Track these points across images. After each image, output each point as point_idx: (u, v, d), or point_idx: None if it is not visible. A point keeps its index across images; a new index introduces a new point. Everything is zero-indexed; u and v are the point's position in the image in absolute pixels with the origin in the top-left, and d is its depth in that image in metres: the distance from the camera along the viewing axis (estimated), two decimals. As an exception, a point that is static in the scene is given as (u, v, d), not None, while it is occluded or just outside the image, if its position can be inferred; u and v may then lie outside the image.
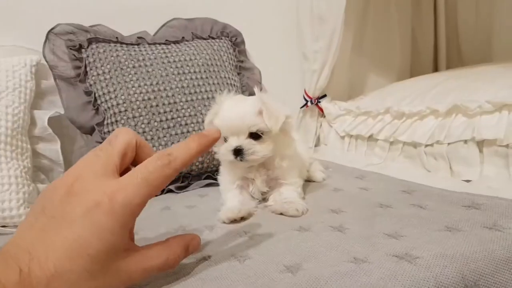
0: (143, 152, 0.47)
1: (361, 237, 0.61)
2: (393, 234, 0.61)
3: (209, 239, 0.67)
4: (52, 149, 0.99)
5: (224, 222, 0.73)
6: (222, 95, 0.77)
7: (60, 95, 0.99)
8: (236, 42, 1.22)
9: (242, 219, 0.74)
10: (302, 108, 1.35)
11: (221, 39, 1.19)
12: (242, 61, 1.22)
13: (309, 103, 1.32)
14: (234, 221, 0.73)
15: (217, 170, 1.07)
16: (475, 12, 1.60)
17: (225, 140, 0.75)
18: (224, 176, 0.84)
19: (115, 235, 0.40)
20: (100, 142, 0.96)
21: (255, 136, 0.73)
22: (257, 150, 0.73)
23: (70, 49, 0.99)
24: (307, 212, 0.75)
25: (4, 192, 0.81)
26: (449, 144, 0.93)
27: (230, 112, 0.73)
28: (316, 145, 1.38)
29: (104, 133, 0.96)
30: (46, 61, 0.98)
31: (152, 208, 0.88)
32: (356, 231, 0.64)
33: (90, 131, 0.99)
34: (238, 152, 0.72)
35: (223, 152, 0.74)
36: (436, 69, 1.73)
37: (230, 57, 1.17)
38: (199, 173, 1.04)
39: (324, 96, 1.33)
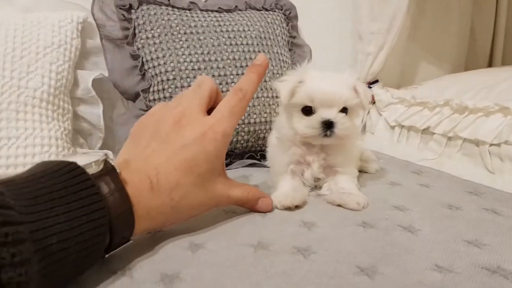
0: (218, 98, 0.56)
1: (437, 241, 0.55)
2: (474, 241, 0.55)
3: (263, 226, 0.62)
4: (94, 112, 0.95)
5: (277, 208, 0.68)
6: (303, 64, 0.75)
7: (105, 56, 0.94)
8: (289, 16, 1.14)
9: (297, 207, 0.69)
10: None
11: (275, 11, 1.12)
12: (294, 37, 1.14)
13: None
14: (288, 208, 0.68)
15: (261, 150, 1.02)
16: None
17: (307, 112, 0.69)
18: (277, 158, 0.78)
19: (217, 159, 0.51)
20: (145, 110, 0.91)
21: (344, 111, 0.69)
22: (348, 126, 0.68)
23: (120, 8, 0.93)
24: (367, 207, 0.69)
25: (43, 154, 0.78)
26: (520, 146, 0.85)
27: (325, 83, 0.68)
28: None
29: (150, 100, 0.91)
30: (94, 19, 0.93)
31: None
32: (429, 233, 0.58)
33: (134, 97, 0.94)
34: (328, 126, 0.67)
35: (306, 124, 0.68)
36: (490, 64, 1.63)
37: (283, 32, 1.10)
38: (242, 152, 0.99)
39: (376, 81, 1.25)
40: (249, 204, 0.60)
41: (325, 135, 0.68)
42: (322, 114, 0.67)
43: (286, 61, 1.04)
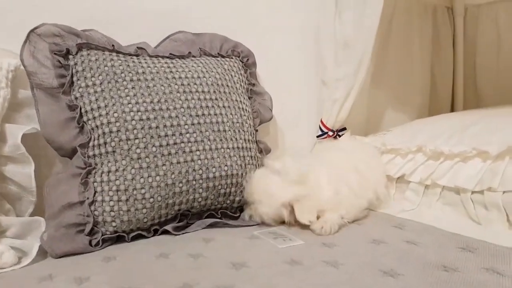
0: None
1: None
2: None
3: None
4: (24, 172, 0.79)
5: None
6: None
7: (37, 108, 0.80)
8: (247, 63, 1.07)
9: None
10: (319, 139, 1.19)
11: (232, 58, 1.04)
12: (253, 84, 1.06)
13: (330, 134, 1.16)
14: None
15: (222, 208, 0.89)
16: (496, 51, 1.52)
17: None
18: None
19: None
20: (82, 168, 0.77)
21: None
22: None
23: (55, 54, 0.82)
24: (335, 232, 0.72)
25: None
26: (504, 192, 0.79)
27: None
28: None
29: (89, 156, 0.78)
30: (24, 65, 0.80)
31: (144, 254, 0.69)
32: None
33: (71, 153, 0.81)
34: None
35: None
36: (452, 109, 1.63)
37: (241, 79, 1.02)
38: (200, 211, 0.86)
39: (344, 129, 1.19)
40: None
41: None
42: None
43: (246, 109, 0.96)
